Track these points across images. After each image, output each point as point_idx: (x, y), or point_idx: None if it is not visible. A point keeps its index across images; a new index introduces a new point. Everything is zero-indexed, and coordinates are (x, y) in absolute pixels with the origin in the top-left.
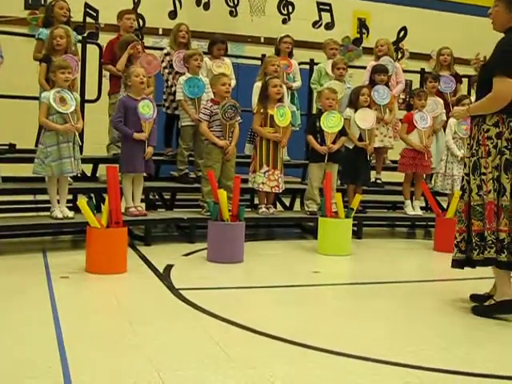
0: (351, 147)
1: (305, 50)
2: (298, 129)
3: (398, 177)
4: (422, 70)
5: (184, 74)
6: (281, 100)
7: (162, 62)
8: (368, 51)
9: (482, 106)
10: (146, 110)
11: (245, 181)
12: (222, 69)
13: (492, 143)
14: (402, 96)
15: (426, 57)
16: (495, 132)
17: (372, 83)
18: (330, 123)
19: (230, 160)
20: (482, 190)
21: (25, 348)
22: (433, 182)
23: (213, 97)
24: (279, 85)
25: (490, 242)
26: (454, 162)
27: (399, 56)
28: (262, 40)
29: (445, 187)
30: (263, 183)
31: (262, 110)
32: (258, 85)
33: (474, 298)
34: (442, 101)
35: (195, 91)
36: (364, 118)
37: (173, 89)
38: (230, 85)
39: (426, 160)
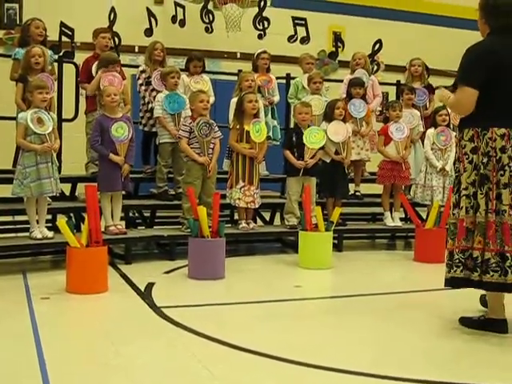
0: (328, 161)
1: (281, 64)
2: (278, 143)
3: (377, 189)
4: (398, 82)
5: (161, 91)
6: (256, 115)
7: (138, 79)
8: (344, 64)
9: (449, 104)
10: (120, 132)
11: (224, 196)
12: (200, 85)
13: (467, 159)
14: (379, 108)
15: (401, 69)
16: (470, 147)
17: (349, 96)
18: (313, 139)
19: (211, 177)
20: (456, 208)
21: (6, 370)
22: (412, 193)
23: (191, 114)
24: (254, 100)
25: (457, 260)
26: (433, 172)
27: (375, 69)
28: (239, 55)
29: (424, 198)
30: (239, 199)
31: (237, 126)
32: (234, 100)
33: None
34: (418, 112)
35: (175, 107)
36: (336, 131)
37: (149, 106)
38: (208, 101)
39: (404, 171)
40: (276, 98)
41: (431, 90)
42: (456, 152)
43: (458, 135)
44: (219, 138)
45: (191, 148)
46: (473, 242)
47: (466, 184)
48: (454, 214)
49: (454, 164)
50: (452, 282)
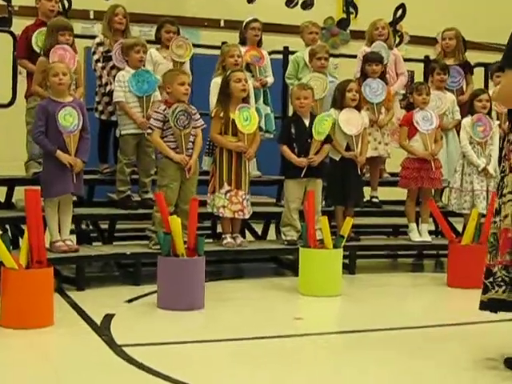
0: (337, 158)
1: (277, 35)
2: (272, 136)
3: (400, 194)
4: (427, 57)
5: (123, 69)
6: (246, 100)
7: (94, 53)
8: (357, 35)
9: (495, 95)
10: (69, 120)
11: (205, 203)
12: (183, 50)
13: None
14: (403, 91)
15: (431, 41)
16: None
17: (364, 76)
18: (322, 128)
19: (191, 178)
20: (498, 216)
21: None
22: (445, 199)
23: (167, 97)
24: (244, 79)
25: (500, 279)
26: (473, 173)
27: (397, 41)
28: (222, 23)
29: (461, 206)
30: (224, 207)
31: (221, 114)
32: (216, 81)
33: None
34: (451, 96)
35: (144, 88)
36: (349, 121)
37: (108, 87)
38: (189, 85)
39: (434, 171)
40: (270, 79)
41: (468, 68)
42: (503, 147)
43: (508, 126)
44: (201, 127)
45: (165, 142)
46: None
47: (511, 187)
48: (495, 223)
49: (500, 162)
50: (490, 305)
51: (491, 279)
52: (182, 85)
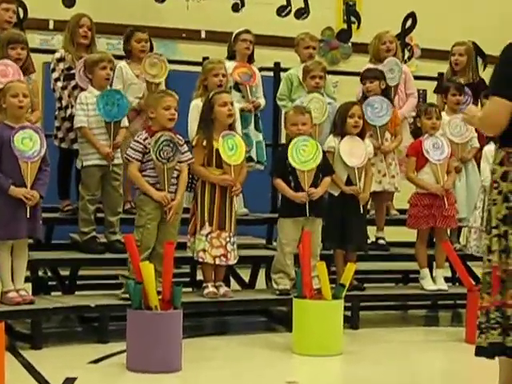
0: (336, 194)
1: (266, 48)
2: (263, 168)
3: (412, 234)
4: (441, 75)
5: (87, 89)
6: (231, 126)
7: (53, 71)
8: (360, 48)
9: (477, 120)
10: (28, 144)
11: (183, 246)
12: (157, 69)
13: (497, 188)
14: (414, 114)
15: (445, 55)
16: (500, 173)
17: (365, 97)
18: (303, 156)
19: (172, 218)
20: (490, 253)
21: None
22: (463, 240)
23: (149, 123)
24: (230, 102)
25: (494, 321)
26: None
27: (406, 56)
28: (203, 35)
29: (482, 249)
30: (204, 250)
31: (203, 143)
32: (196, 104)
33: None
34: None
35: (113, 112)
36: (351, 151)
37: (69, 111)
38: (176, 109)
39: (448, 208)
40: (262, 101)
41: (483, 88)
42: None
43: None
44: (188, 162)
45: (144, 177)
46: (505, 297)
47: (496, 221)
48: (489, 261)
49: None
50: (489, 351)
51: (487, 323)
52: (168, 109)
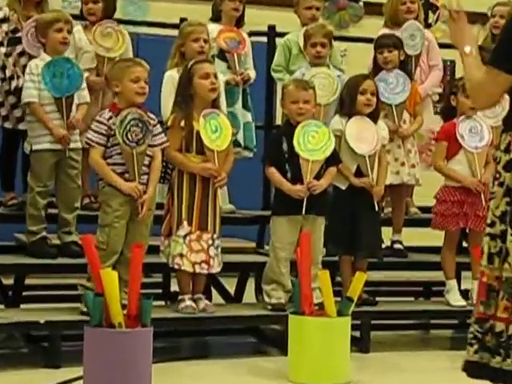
0: (344, 187)
1: (258, 8)
2: (251, 155)
3: (435, 237)
4: None
5: (38, 56)
6: (215, 103)
7: None
8: (374, 9)
9: (468, 87)
10: None
11: (155, 250)
12: (113, 41)
13: (498, 179)
14: (439, 89)
15: (480, 18)
16: (504, 161)
17: (377, 68)
18: (311, 143)
19: (144, 217)
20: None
21: None
22: None
23: (114, 100)
24: (213, 74)
25: (472, 335)
26: None
27: (431, 19)
28: None
29: None
30: (181, 256)
31: (181, 123)
32: (171, 75)
33: None
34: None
35: (64, 85)
36: (360, 135)
37: (15, 83)
38: (146, 82)
39: (484, 206)
40: (252, 73)
41: None
42: None
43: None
44: (162, 146)
45: (109, 165)
46: (496, 309)
47: (493, 217)
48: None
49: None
50: (466, 369)
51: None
52: (137, 81)
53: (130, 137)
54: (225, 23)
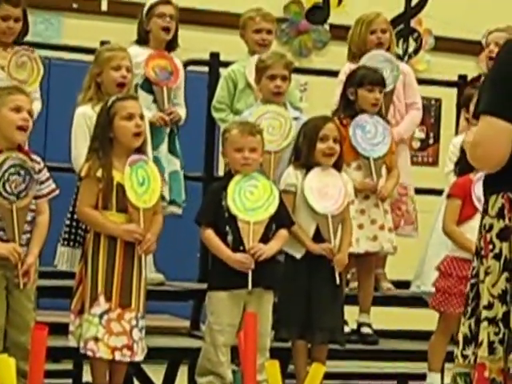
0: (299, 256)
1: (196, 30)
2: (180, 211)
3: (412, 319)
4: (462, 78)
5: None
6: (141, 148)
7: None
8: (341, 34)
9: (467, 147)
10: None
11: (62, 330)
12: (26, 72)
13: (492, 250)
14: (420, 134)
15: (471, 48)
16: (498, 228)
17: (349, 109)
18: (249, 201)
19: (26, 286)
20: (470, 345)
21: None
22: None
23: None
24: (138, 113)
25: None
26: None
27: (411, 48)
28: (104, 7)
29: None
30: (97, 339)
31: (98, 173)
32: (84, 113)
33: None
34: None
35: None
36: (323, 191)
37: None
38: (30, 113)
39: None
40: (183, 112)
41: None
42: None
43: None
44: (49, 196)
45: None
46: None
47: (490, 298)
48: (465, 357)
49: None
50: None
51: None
52: (17, 111)
53: (8, 188)
54: (153, 46)
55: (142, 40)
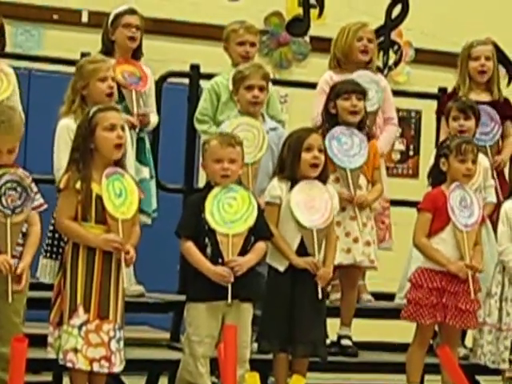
0: (282, 269)
1: (180, 42)
2: (150, 221)
3: (393, 331)
4: (442, 90)
5: None
6: (120, 161)
7: None
8: (322, 46)
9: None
10: None
11: (42, 341)
12: None
13: None
14: (400, 146)
15: (450, 59)
16: None
17: (332, 122)
18: (228, 213)
19: (14, 299)
20: None
21: None
22: (470, 342)
23: None
24: (120, 126)
25: None
26: None
27: (391, 60)
28: (85, 18)
29: (501, 357)
30: (76, 350)
31: (78, 185)
32: (66, 125)
33: None
34: (484, 160)
35: None
36: (310, 204)
37: None
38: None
39: (468, 298)
40: (153, 117)
41: (508, 109)
42: None
43: None
44: (39, 209)
45: None
46: None
47: None
48: None
49: None
50: None
51: None
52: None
53: (4, 202)
54: (119, 55)
55: (107, 50)
